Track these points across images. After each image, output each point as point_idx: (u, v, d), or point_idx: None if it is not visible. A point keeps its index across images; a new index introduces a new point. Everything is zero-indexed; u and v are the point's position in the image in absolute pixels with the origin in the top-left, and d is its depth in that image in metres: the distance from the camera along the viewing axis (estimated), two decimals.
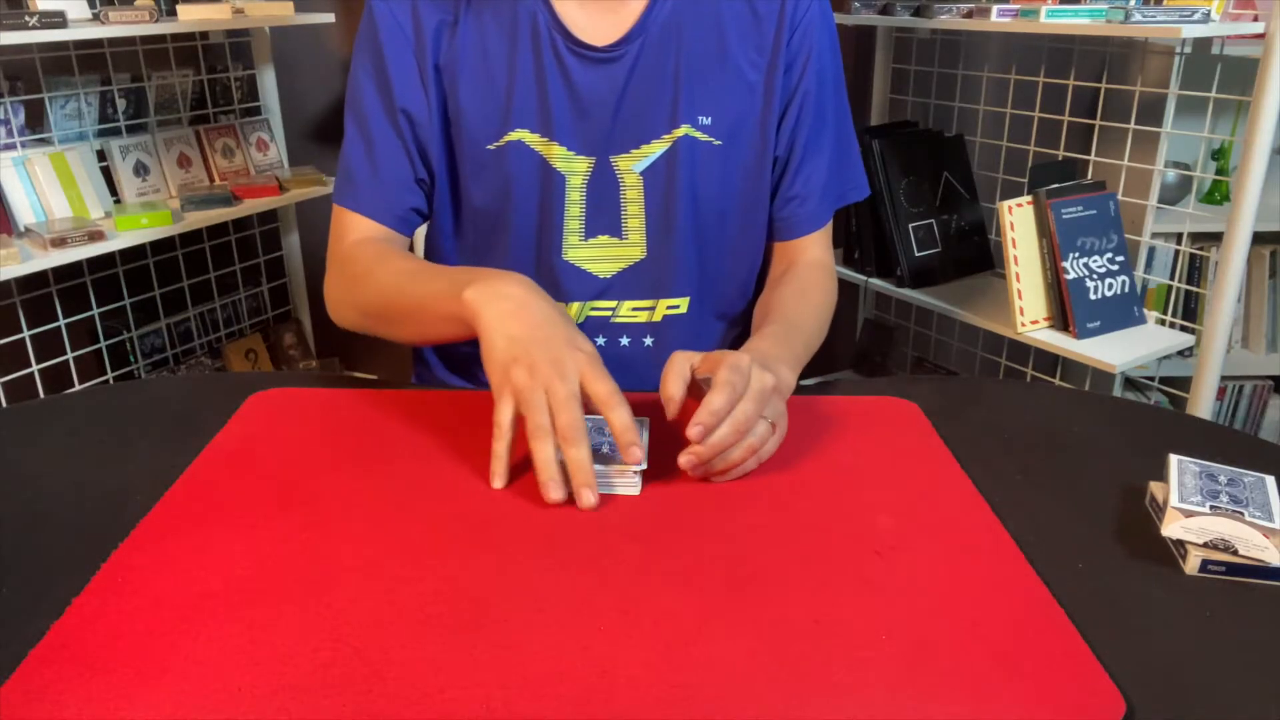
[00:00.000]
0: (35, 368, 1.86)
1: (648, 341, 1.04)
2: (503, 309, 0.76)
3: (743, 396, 0.73)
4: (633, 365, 1.02)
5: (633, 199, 0.98)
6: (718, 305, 1.06)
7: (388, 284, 0.90)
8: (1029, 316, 1.65)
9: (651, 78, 0.95)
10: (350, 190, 0.98)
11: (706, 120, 0.96)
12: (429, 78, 0.95)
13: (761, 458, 0.76)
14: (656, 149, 0.97)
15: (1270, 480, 0.69)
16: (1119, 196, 1.67)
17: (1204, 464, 0.71)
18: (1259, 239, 1.81)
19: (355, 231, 0.97)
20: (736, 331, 1.09)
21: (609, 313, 1.02)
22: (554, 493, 0.71)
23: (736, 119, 0.97)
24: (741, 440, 0.73)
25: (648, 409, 0.80)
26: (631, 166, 0.97)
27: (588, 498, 0.71)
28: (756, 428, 0.74)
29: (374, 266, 0.92)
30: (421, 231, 1.07)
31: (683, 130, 0.96)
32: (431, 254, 1.06)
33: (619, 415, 0.72)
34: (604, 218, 0.99)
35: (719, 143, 0.97)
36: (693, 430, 0.72)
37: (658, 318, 1.03)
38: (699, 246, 1.01)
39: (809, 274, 1.01)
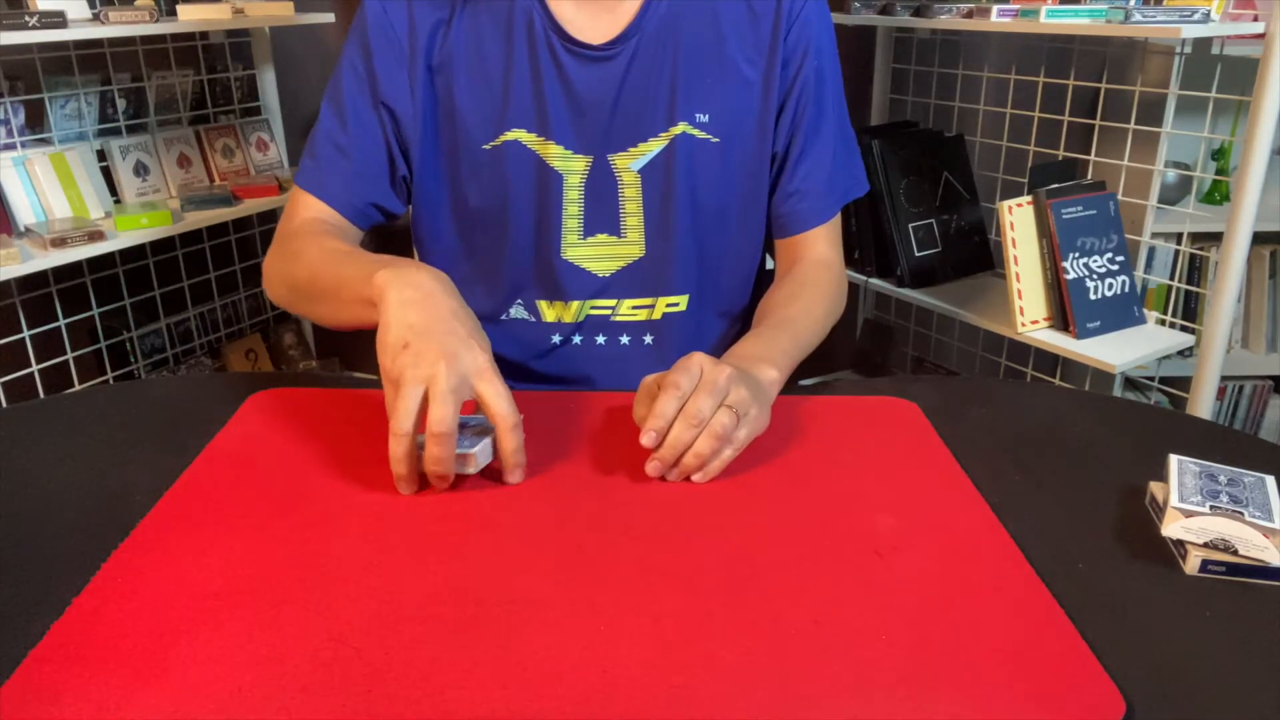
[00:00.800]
0: (35, 368, 1.86)
1: (648, 340, 1.04)
2: (407, 296, 0.74)
3: (694, 393, 0.73)
4: (632, 363, 1.02)
5: (631, 197, 0.98)
6: (718, 303, 1.06)
7: (313, 261, 0.89)
8: (1029, 316, 1.65)
9: (648, 76, 0.95)
10: (313, 173, 0.98)
11: (704, 118, 0.96)
12: (418, 78, 0.95)
13: (736, 446, 0.76)
14: (654, 147, 0.97)
15: (1270, 480, 0.69)
16: (1119, 196, 1.67)
17: (1204, 464, 0.71)
18: (1259, 239, 1.81)
19: (307, 211, 0.97)
20: (737, 329, 1.09)
21: (609, 311, 1.02)
22: (405, 489, 0.72)
23: (734, 116, 0.97)
24: (702, 434, 0.73)
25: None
26: (629, 165, 0.97)
27: (439, 486, 0.72)
28: (718, 418, 0.74)
29: (307, 244, 0.91)
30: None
31: (680, 128, 0.96)
32: (426, 256, 1.06)
33: (511, 440, 0.72)
34: (602, 216, 0.99)
35: (717, 140, 0.97)
36: (645, 438, 0.73)
37: (657, 315, 1.03)
38: (698, 244, 1.01)
39: (809, 272, 1.01)
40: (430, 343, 0.71)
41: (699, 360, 0.76)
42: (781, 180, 1.02)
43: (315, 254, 0.89)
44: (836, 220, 1.05)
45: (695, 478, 0.75)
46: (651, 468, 0.74)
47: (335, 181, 0.97)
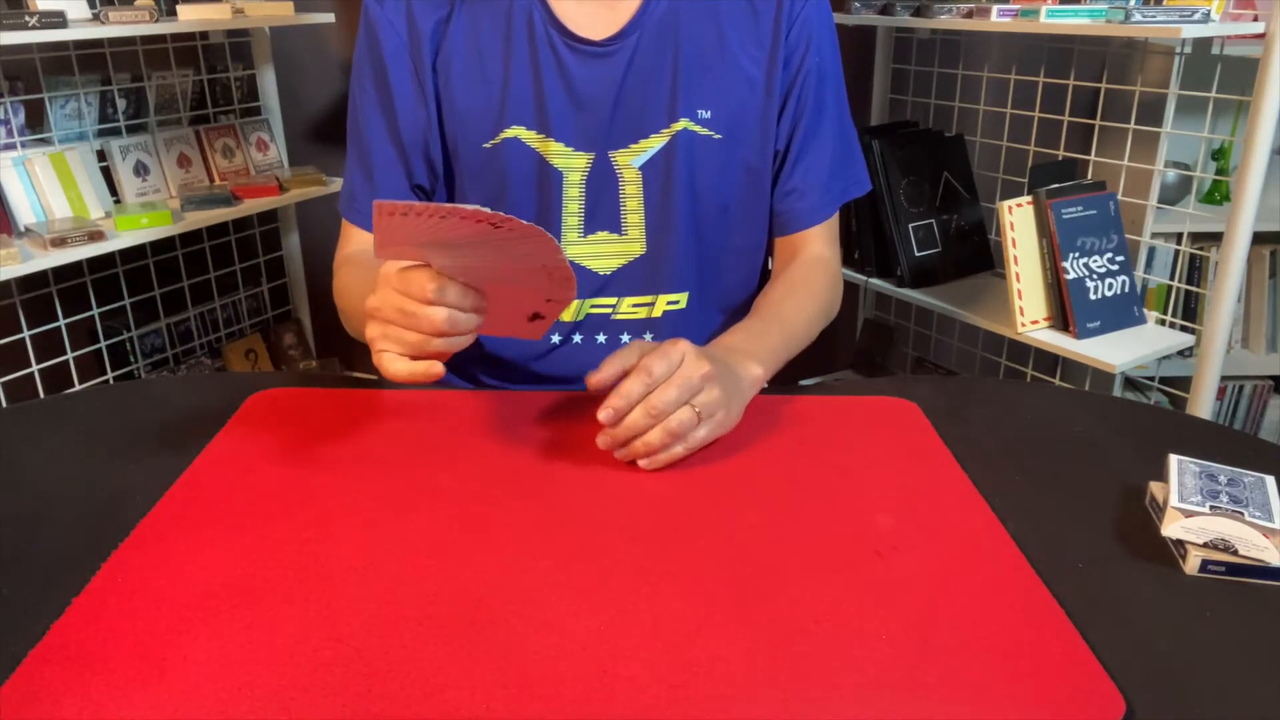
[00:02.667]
0: (35, 368, 1.86)
1: (648, 338, 1.03)
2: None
3: (664, 382, 0.74)
4: None
5: (631, 194, 0.98)
6: (718, 300, 1.06)
7: (344, 297, 0.96)
8: (1029, 316, 1.65)
9: (649, 72, 0.95)
10: (349, 202, 1.03)
11: (705, 114, 0.96)
12: (426, 79, 0.95)
13: (691, 445, 0.76)
14: (655, 143, 0.97)
15: (1270, 480, 0.69)
16: (1119, 196, 1.67)
17: (1204, 464, 0.71)
18: (1259, 239, 1.81)
19: (350, 244, 1.03)
20: None
21: (609, 309, 1.02)
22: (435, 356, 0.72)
23: (736, 113, 0.97)
24: (657, 426, 0.74)
25: None
26: (630, 161, 0.97)
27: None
28: (677, 415, 0.74)
29: (343, 279, 0.98)
30: None
31: (681, 124, 0.96)
32: None
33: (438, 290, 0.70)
34: (603, 214, 0.99)
35: (719, 136, 0.97)
36: (602, 413, 0.73)
37: (658, 313, 1.03)
38: (699, 241, 1.01)
39: (805, 270, 1.01)
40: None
41: (682, 348, 0.76)
42: (780, 177, 1.02)
43: (341, 283, 0.97)
44: (834, 219, 1.05)
45: (642, 463, 0.76)
46: (602, 440, 0.75)
47: (369, 209, 1.00)
